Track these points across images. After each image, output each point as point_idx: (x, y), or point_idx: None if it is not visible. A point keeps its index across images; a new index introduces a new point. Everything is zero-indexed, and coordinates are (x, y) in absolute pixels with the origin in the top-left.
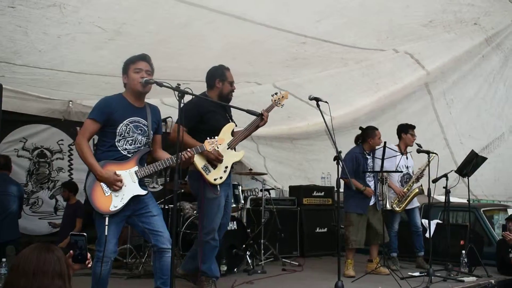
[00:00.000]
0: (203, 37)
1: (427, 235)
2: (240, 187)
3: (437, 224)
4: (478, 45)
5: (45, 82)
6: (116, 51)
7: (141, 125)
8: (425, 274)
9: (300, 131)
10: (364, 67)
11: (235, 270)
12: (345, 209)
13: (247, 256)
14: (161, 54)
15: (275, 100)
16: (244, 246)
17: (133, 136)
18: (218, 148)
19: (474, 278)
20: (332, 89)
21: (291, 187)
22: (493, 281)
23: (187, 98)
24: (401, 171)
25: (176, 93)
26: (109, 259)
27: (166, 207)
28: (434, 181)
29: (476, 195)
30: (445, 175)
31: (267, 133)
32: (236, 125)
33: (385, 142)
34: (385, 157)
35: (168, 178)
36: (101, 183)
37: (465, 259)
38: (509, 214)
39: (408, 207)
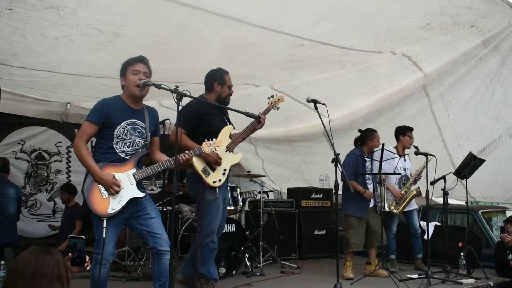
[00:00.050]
0: (201, 39)
1: (425, 237)
2: (238, 189)
3: (436, 226)
4: (476, 47)
5: (43, 84)
6: (114, 53)
7: (139, 127)
8: (424, 276)
9: (298, 133)
10: (362, 69)
11: (233, 272)
12: (344, 211)
13: (246, 258)
14: (159, 56)
15: (271, 103)
16: (242, 248)
17: (131, 139)
18: (216, 150)
19: (472, 280)
20: (330, 91)
21: (289, 189)
22: (491, 283)
23: (185, 100)
24: (399, 173)
25: (174, 95)
26: (108, 262)
27: (165, 209)
28: (432, 183)
29: (474, 197)
30: (443, 177)
31: (265, 135)
32: (234, 128)
33: (383, 144)
34: (383, 159)
35: (166, 181)
36: (99, 186)
37: (464, 261)
38: (507, 216)
39: (406, 209)
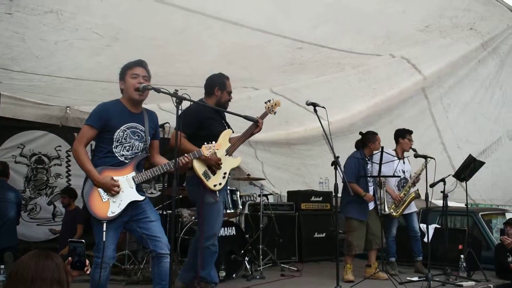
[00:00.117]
0: (200, 43)
1: (425, 239)
2: (238, 193)
3: (435, 228)
4: (474, 49)
5: (43, 88)
6: (113, 57)
7: (138, 130)
8: (424, 279)
9: (298, 136)
10: (361, 72)
11: (233, 276)
12: (345, 214)
13: (246, 261)
14: (158, 60)
15: (268, 108)
16: (242, 251)
17: (130, 142)
18: (215, 152)
19: (473, 283)
20: (329, 94)
21: (289, 192)
22: (491, 286)
23: (185, 104)
24: (399, 176)
25: (174, 99)
26: (108, 265)
27: (165, 212)
28: (432, 185)
29: (474, 199)
30: (443, 180)
31: (264, 138)
32: (233, 132)
33: (382, 147)
34: (382, 162)
35: (166, 184)
36: (99, 189)
37: (464, 264)
38: (507, 218)
39: (406, 212)
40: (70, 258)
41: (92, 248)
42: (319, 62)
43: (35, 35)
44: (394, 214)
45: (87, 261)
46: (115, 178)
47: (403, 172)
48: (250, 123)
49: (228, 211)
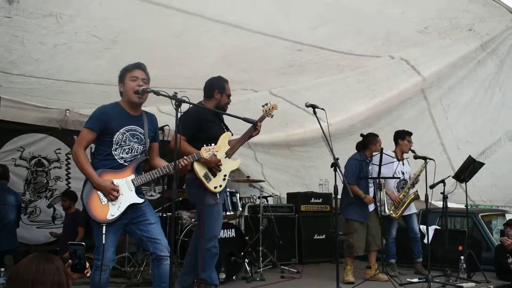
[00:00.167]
0: (199, 46)
1: (425, 241)
2: (237, 195)
3: (435, 230)
4: (474, 50)
5: (42, 91)
6: (113, 60)
7: (137, 133)
8: (424, 280)
9: (297, 138)
10: (360, 73)
11: (233, 278)
12: (346, 216)
13: (246, 263)
14: (158, 63)
15: (265, 111)
16: (242, 253)
17: (129, 145)
18: (215, 155)
19: (473, 284)
20: (328, 96)
21: (288, 194)
22: (492, 287)
23: (184, 107)
24: (398, 177)
25: (173, 101)
26: (108, 268)
27: (164, 215)
28: (432, 187)
29: (474, 200)
30: (443, 181)
31: (264, 140)
32: (232, 134)
33: (381, 149)
34: (382, 163)
35: (166, 186)
36: (98, 192)
37: (464, 265)
38: (507, 219)
39: (406, 213)
40: (70, 260)
41: (92, 250)
42: (319, 64)
43: (34, 38)
44: (394, 215)
45: (87, 264)
46: (114, 181)
47: (403, 173)
48: (250, 125)
49: (227, 213)
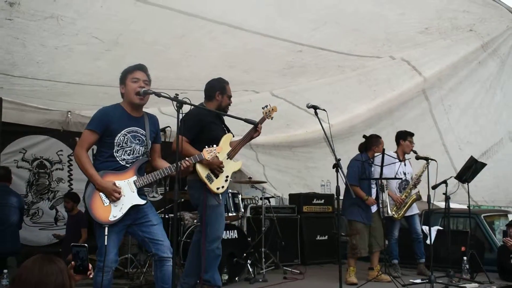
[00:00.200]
0: (200, 47)
1: (428, 241)
2: (239, 196)
3: (438, 230)
4: (475, 51)
5: (44, 93)
6: (114, 62)
7: (139, 135)
8: (427, 281)
9: (299, 138)
10: (361, 74)
11: (236, 279)
12: (348, 217)
13: (248, 264)
14: (159, 64)
15: (265, 113)
16: (245, 254)
17: (131, 146)
18: (217, 156)
19: (476, 285)
20: (329, 97)
21: (291, 195)
22: (495, 287)
23: (186, 107)
24: (400, 178)
25: (175, 103)
26: (110, 269)
27: (167, 216)
28: (434, 187)
29: (476, 201)
30: (445, 182)
31: (266, 141)
32: (233, 136)
33: (383, 149)
34: (384, 164)
35: (168, 188)
36: (100, 193)
37: (467, 266)
38: (510, 219)
39: (408, 214)
40: (73, 262)
41: (95, 252)
42: (319, 65)
43: (35, 40)
44: (396, 216)
45: (90, 265)
46: (116, 182)
47: (404, 174)
48: (252, 126)
49: (230, 214)
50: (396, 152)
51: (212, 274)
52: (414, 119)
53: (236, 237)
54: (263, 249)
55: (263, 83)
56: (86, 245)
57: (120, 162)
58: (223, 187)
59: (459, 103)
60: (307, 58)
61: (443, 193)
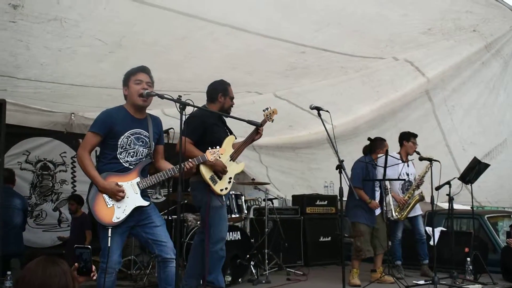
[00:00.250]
0: (203, 48)
1: (431, 242)
2: (243, 197)
3: (441, 231)
4: (478, 51)
5: (47, 95)
6: (117, 64)
7: (142, 136)
8: (430, 282)
9: (302, 140)
10: (364, 75)
11: (239, 280)
12: (352, 219)
13: (251, 266)
14: (161, 66)
15: (266, 115)
16: (248, 256)
17: (134, 148)
18: (220, 158)
19: (479, 286)
20: (332, 98)
21: (294, 196)
22: None
23: (189, 109)
24: (404, 179)
25: (178, 104)
26: (114, 270)
27: (170, 218)
28: (437, 188)
29: (480, 201)
30: (448, 182)
31: (269, 143)
32: (236, 138)
33: (387, 150)
34: (387, 165)
35: (171, 189)
36: (103, 195)
37: (470, 267)
38: None
39: (411, 215)
40: (76, 264)
41: (99, 253)
42: (322, 66)
43: (39, 42)
44: (399, 217)
45: (94, 267)
46: (119, 184)
47: (407, 175)
48: (253, 127)
49: (233, 215)
50: (399, 153)
51: (216, 275)
52: (418, 120)
53: (239, 238)
54: (266, 251)
55: (266, 84)
56: (89, 246)
57: (124, 164)
58: (226, 188)
59: (462, 103)
60: (310, 60)
61: (447, 194)
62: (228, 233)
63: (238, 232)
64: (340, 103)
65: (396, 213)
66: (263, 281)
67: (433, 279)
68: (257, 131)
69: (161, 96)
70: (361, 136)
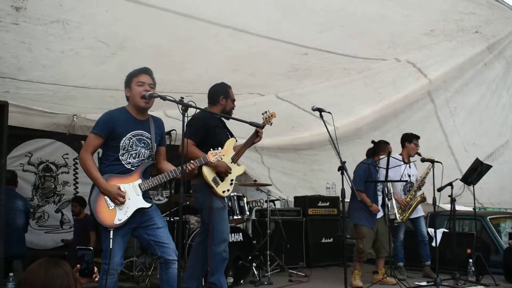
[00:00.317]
0: (205, 50)
1: (433, 244)
2: (245, 199)
3: (444, 233)
4: (480, 53)
5: (49, 97)
6: (119, 66)
7: (144, 138)
8: (433, 283)
9: (304, 141)
10: (366, 77)
11: (241, 282)
12: (354, 221)
13: (253, 267)
14: (164, 67)
15: (265, 118)
16: (250, 257)
17: (136, 150)
18: (221, 159)
19: (481, 287)
20: (334, 99)
21: (296, 198)
22: None
23: (191, 111)
24: (405, 181)
25: (180, 106)
26: (116, 272)
27: (172, 219)
28: (439, 189)
29: (482, 203)
30: (450, 184)
31: (271, 144)
32: (236, 141)
33: (389, 152)
34: (389, 167)
35: (173, 191)
36: (105, 197)
37: (473, 268)
38: None
39: (413, 216)
40: (78, 265)
41: (101, 255)
42: (325, 68)
43: (41, 44)
44: (401, 218)
45: (96, 268)
46: (121, 186)
47: (409, 176)
48: (254, 129)
49: (235, 217)
50: (401, 154)
51: (218, 277)
52: (420, 121)
53: (242, 240)
54: (268, 252)
55: (268, 86)
56: (91, 248)
57: (126, 165)
58: (228, 190)
59: (464, 105)
60: (312, 61)
61: (449, 195)
62: (230, 234)
63: (240, 234)
64: (342, 105)
65: (398, 215)
66: (265, 283)
67: (435, 281)
68: (257, 134)
69: (164, 98)
70: (363, 137)
